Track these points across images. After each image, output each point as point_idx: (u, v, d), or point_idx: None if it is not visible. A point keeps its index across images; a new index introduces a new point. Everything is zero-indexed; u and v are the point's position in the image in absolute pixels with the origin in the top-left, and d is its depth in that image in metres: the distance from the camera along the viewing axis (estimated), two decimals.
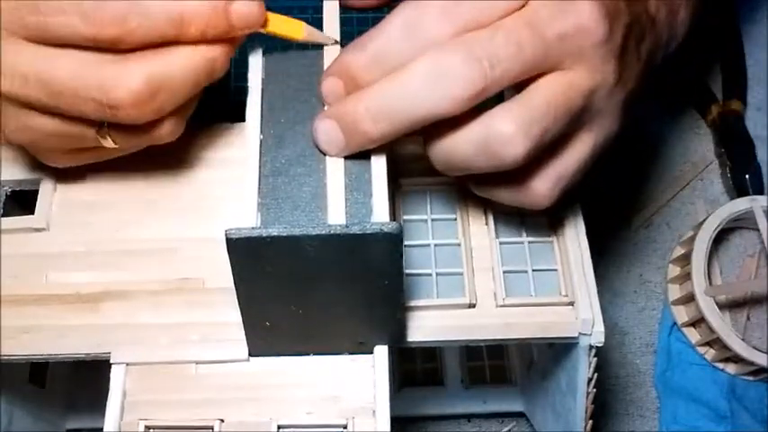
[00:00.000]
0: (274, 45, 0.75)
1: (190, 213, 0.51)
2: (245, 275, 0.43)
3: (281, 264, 0.42)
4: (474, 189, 0.47)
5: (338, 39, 0.47)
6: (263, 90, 0.46)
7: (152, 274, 0.49)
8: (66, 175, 0.52)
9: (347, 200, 0.43)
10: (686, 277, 0.68)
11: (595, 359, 0.48)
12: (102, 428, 0.46)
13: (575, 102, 0.41)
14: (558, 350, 0.52)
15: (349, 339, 0.47)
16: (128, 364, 0.47)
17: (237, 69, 0.78)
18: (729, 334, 0.65)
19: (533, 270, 0.49)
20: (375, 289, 0.43)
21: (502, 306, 0.48)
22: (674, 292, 0.70)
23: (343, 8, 0.49)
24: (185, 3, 0.41)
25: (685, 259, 0.69)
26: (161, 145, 0.47)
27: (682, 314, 0.70)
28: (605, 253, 0.73)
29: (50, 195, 0.52)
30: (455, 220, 0.51)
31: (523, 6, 0.40)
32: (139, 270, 0.49)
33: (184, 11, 0.41)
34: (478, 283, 0.49)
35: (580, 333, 0.47)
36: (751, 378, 0.68)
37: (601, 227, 0.72)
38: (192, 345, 0.48)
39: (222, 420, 0.46)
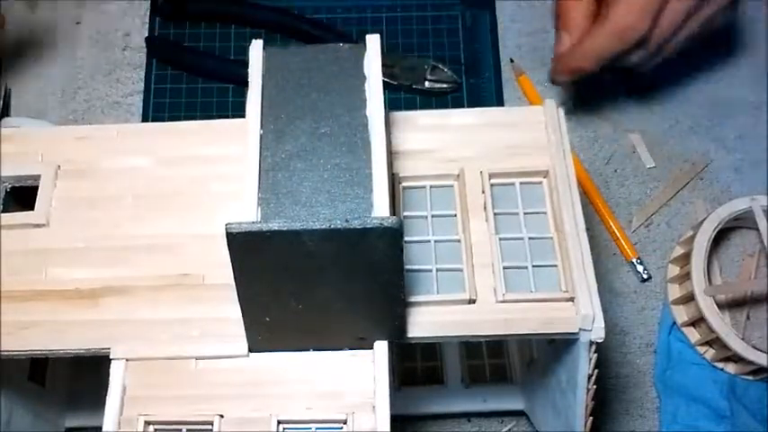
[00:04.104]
0: (274, 41, 0.75)
1: (190, 209, 0.51)
2: (245, 270, 0.43)
3: (281, 258, 0.42)
4: None
5: None
6: (263, 85, 0.46)
7: (152, 270, 0.49)
8: (65, 172, 0.52)
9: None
10: (686, 277, 0.68)
11: (596, 355, 0.48)
12: (101, 426, 0.46)
13: None
14: (558, 346, 0.52)
15: (349, 335, 0.47)
16: (127, 360, 0.47)
17: (237, 68, 0.78)
18: (729, 333, 0.65)
19: (533, 266, 0.49)
20: (375, 284, 0.43)
21: (502, 302, 0.48)
22: (674, 291, 0.70)
23: None
24: None
25: (685, 259, 0.69)
26: (162, 141, 0.47)
27: (681, 314, 0.70)
28: (605, 253, 0.73)
29: (50, 191, 0.52)
30: (455, 216, 0.51)
31: None
32: (139, 266, 0.50)
33: None
34: (478, 278, 0.49)
35: (580, 329, 0.47)
36: (751, 378, 0.67)
37: (601, 227, 0.73)
38: (192, 340, 0.48)
39: (222, 416, 0.46)
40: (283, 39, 0.79)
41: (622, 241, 0.72)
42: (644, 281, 0.72)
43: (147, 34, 0.80)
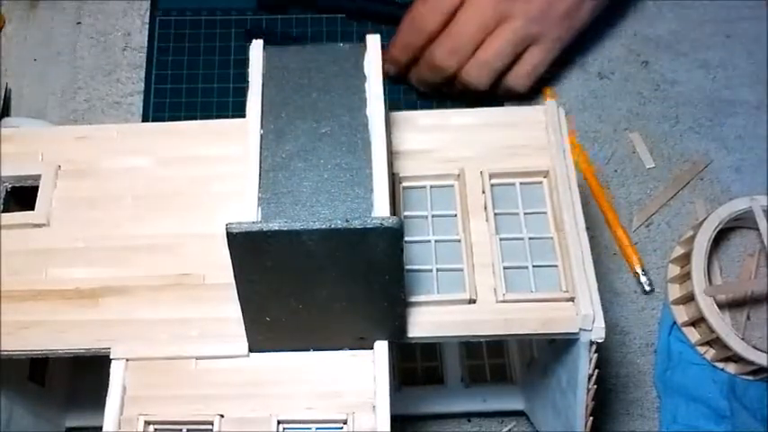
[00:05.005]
0: (275, 41, 0.75)
1: (190, 209, 0.51)
2: (245, 270, 0.43)
3: (281, 258, 0.42)
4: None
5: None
6: (263, 85, 0.46)
7: (152, 270, 0.49)
8: (66, 172, 0.52)
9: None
10: (686, 277, 0.68)
11: (596, 355, 0.48)
12: (101, 426, 0.46)
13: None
14: (558, 346, 0.52)
15: (349, 335, 0.47)
16: (127, 360, 0.47)
17: (237, 69, 0.78)
18: (729, 333, 0.65)
19: (533, 266, 0.49)
20: (376, 284, 0.43)
21: (502, 302, 0.48)
22: (674, 291, 0.70)
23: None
24: None
25: (685, 259, 0.69)
26: (162, 141, 0.48)
27: (682, 314, 0.70)
28: (605, 253, 0.72)
29: (50, 191, 0.52)
30: (455, 216, 0.51)
31: None
32: (139, 266, 0.50)
33: None
34: (479, 278, 0.49)
35: (580, 329, 0.47)
36: (751, 378, 0.67)
37: (601, 227, 0.73)
38: (192, 340, 0.48)
39: (222, 416, 0.46)
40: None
41: (629, 250, 0.72)
42: (647, 293, 0.71)
43: (147, 34, 0.80)
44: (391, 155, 0.52)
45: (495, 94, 0.75)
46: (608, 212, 0.73)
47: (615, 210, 0.74)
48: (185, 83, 0.78)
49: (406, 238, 0.47)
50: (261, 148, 0.44)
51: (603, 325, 0.47)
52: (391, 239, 0.41)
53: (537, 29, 0.70)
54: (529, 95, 0.76)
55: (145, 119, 0.76)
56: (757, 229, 0.68)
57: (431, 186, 0.52)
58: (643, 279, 0.71)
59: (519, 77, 0.73)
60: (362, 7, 0.80)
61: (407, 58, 0.73)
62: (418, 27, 0.71)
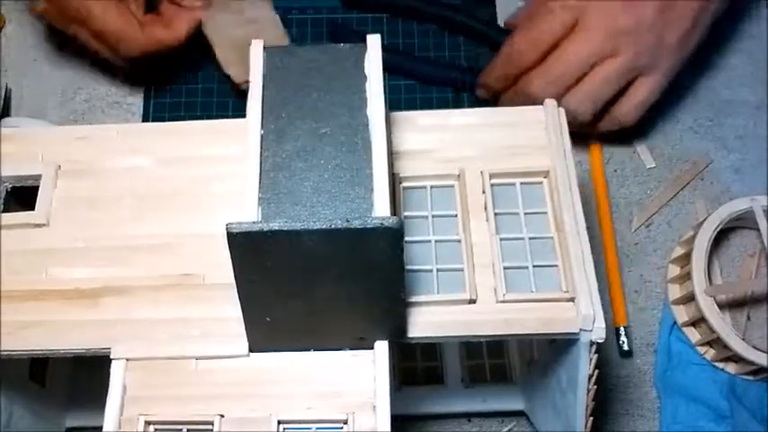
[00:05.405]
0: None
1: (190, 209, 0.51)
2: (245, 270, 0.43)
3: (281, 258, 0.42)
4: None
5: None
6: (263, 85, 0.46)
7: (152, 270, 0.49)
8: (66, 172, 0.52)
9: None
10: (686, 277, 0.68)
11: (596, 355, 0.48)
12: (101, 426, 0.46)
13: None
14: (558, 346, 0.52)
15: (349, 335, 0.47)
16: (128, 360, 0.47)
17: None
18: (729, 333, 0.65)
19: (534, 266, 0.49)
20: (376, 284, 0.43)
21: (502, 302, 0.48)
22: (674, 291, 0.70)
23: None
24: None
25: (685, 259, 0.69)
26: (162, 141, 0.48)
27: (682, 314, 0.70)
28: (605, 253, 0.72)
29: (50, 191, 0.52)
30: (455, 216, 0.51)
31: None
32: (140, 266, 0.50)
33: None
34: (479, 278, 0.49)
35: (581, 329, 0.47)
36: (751, 378, 0.67)
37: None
38: (193, 340, 0.48)
39: (222, 416, 0.46)
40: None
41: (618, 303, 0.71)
42: (623, 355, 0.69)
43: None
44: (391, 155, 0.52)
45: (595, 128, 0.73)
46: (609, 247, 0.72)
47: (610, 208, 0.73)
48: (185, 83, 0.78)
49: (407, 238, 0.47)
50: (261, 148, 0.44)
51: (603, 325, 0.47)
52: (391, 239, 0.41)
53: (646, 61, 0.68)
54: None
55: (145, 119, 0.76)
56: (757, 229, 0.68)
57: (431, 186, 0.52)
58: (622, 339, 0.69)
59: (628, 109, 0.71)
60: (446, 16, 0.81)
61: (501, 87, 0.73)
62: (516, 60, 0.70)
